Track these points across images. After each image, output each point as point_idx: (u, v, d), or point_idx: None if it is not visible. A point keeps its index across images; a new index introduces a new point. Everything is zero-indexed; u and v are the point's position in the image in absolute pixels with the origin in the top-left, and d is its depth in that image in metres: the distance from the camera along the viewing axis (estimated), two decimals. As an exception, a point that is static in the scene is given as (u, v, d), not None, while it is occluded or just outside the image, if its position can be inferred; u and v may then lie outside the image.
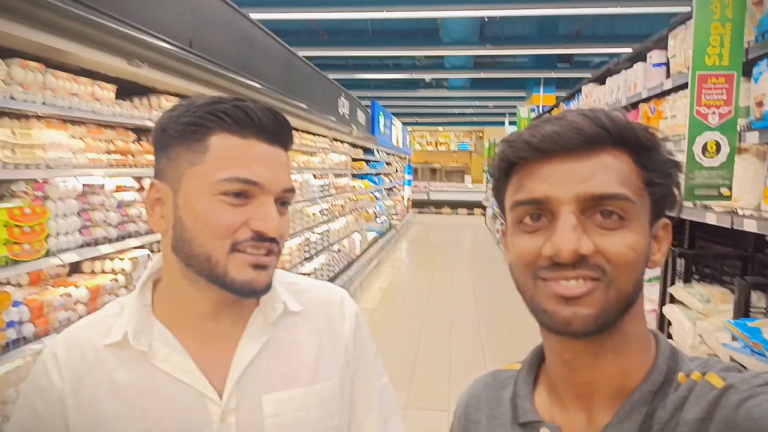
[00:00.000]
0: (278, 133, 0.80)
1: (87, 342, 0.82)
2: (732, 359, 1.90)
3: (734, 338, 1.85)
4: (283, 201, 0.81)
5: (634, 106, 3.38)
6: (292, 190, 0.81)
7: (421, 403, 4.12)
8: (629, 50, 3.64)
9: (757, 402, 0.54)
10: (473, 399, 0.78)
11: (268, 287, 0.79)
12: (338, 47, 11.30)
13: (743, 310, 1.99)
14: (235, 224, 0.75)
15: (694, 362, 0.64)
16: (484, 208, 17.55)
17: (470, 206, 19.67)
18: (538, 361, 0.73)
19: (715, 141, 2.01)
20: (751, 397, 0.55)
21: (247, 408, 0.80)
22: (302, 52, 6.70)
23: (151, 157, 3.06)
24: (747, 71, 2.03)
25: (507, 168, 0.66)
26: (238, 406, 0.80)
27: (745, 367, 1.81)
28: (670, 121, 2.72)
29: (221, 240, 0.75)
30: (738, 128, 2.02)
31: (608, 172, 0.60)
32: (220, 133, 0.76)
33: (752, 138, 1.93)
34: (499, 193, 0.69)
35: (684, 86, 2.57)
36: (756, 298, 2.14)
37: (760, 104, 1.92)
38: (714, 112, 2.02)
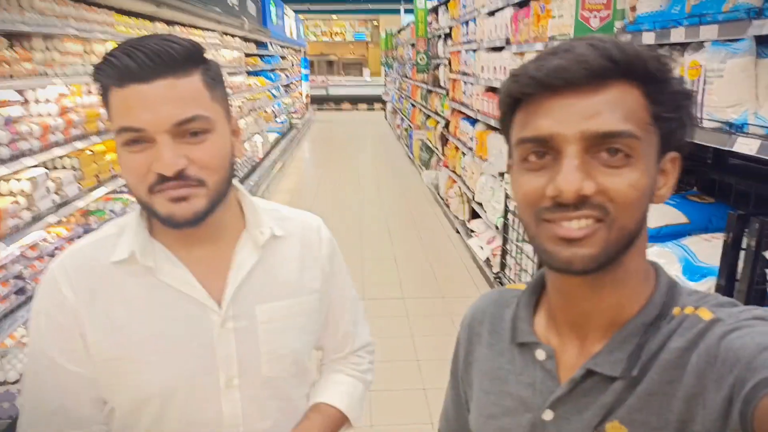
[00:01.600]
0: (156, 66, 0.77)
1: (94, 260, 0.90)
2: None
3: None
4: (191, 132, 0.80)
5: (527, 3, 3.53)
6: (191, 120, 0.79)
7: (337, 293, 4.43)
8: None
9: (740, 334, 0.55)
10: (478, 313, 0.82)
11: (198, 215, 0.83)
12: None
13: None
14: (141, 169, 0.80)
15: (692, 297, 0.64)
16: (384, 102, 17.56)
17: (370, 101, 19.57)
18: (540, 285, 0.75)
19: (596, 43, 2.23)
20: (736, 329, 0.56)
21: (243, 316, 0.93)
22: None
23: (29, 65, 2.81)
24: (624, -24, 2.22)
25: (512, 104, 0.64)
26: (235, 314, 0.92)
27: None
28: (558, 21, 2.91)
29: (139, 184, 0.81)
30: (614, 30, 2.25)
31: (614, 109, 0.58)
32: (112, 88, 0.80)
33: (626, 41, 2.17)
34: (505, 128, 0.67)
35: (571, -14, 2.73)
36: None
37: (633, 9, 2.14)
38: (595, 16, 2.23)
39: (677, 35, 1.77)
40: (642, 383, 0.60)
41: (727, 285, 1.62)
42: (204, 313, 0.91)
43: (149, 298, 0.89)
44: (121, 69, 0.77)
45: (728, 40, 1.58)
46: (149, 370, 0.89)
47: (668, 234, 2.01)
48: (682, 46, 1.88)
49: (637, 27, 2.09)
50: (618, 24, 2.24)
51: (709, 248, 1.81)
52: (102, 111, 3.19)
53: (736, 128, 1.55)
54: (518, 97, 0.63)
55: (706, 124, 1.66)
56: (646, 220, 0.64)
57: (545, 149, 0.60)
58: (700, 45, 1.72)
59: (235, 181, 0.94)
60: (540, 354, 0.69)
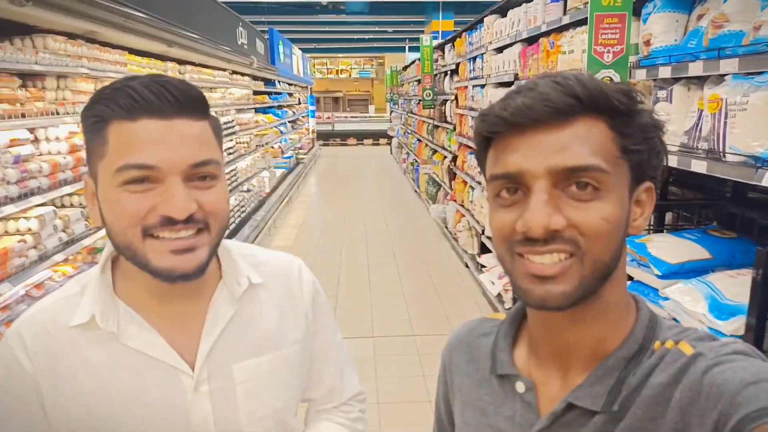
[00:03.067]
0: (177, 105, 0.74)
1: (53, 324, 0.82)
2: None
3: (624, 252, 2.14)
4: (201, 176, 0.76)
5: (535, 39, 3.56)
6: (206, 163, 0.76)
7: (347, 332, 4.33)
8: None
9: (723, 369, 0.55)
10: (455, 342, 0.81)
11: (200, 269, 0.77)
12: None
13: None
14: (141, 211, 0.73)
15: (672, 330, 0.64)
16: (389, 137, 17.71)
17: (375, 136, 19.76)
18: (520, 316, 0.74)
19: (609, 77, 2.22)
20: (718, 364, 0.56)
21: (218, 377, 0.85)
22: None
23: (40, 104, 2.82)
24: (637, 12, 2.22)
25: (484, 142, 0.65)
26: (210, 376, 0.84)
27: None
28: (568, 56, 2.91)
29: (132, 228, 0.74)
30: (628, 65, 2.23)
31: (581, 143, 0.58)
32: (115, 121, 0.73)
33: (640, 74, 2.15)
34: (481, 165, 0.68)
35: (579, 22, 2.75)
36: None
37: (647, 43, 2.13)
38: (609, 51, 2.21)
39: (695, 69, 1.75)
40: (625, 419, 0.60)
41: (757, 323, 1.54)
42: (175, 377, 0.82)
43: (115, 365, 0.81)
44: (139, 101, 0.72)
45: (749, 73, 1.55)
46: None
47: (691, 270, 1.94)
48: (700, 80, 1.85)
49: (652, 61, 2.08)
50: (632, 58, 2.22)
51: (735, 285, 1.74)
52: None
53: (762, 162, 1.51)
54: (488, 135, 0.63)
55: (729, 157, 1.62)
56: (623, 252, 0.63)
57: (516, 185, 0.61)
58: (719, 78, 1.70)
59: None
60: (520, 386, 0.68)
